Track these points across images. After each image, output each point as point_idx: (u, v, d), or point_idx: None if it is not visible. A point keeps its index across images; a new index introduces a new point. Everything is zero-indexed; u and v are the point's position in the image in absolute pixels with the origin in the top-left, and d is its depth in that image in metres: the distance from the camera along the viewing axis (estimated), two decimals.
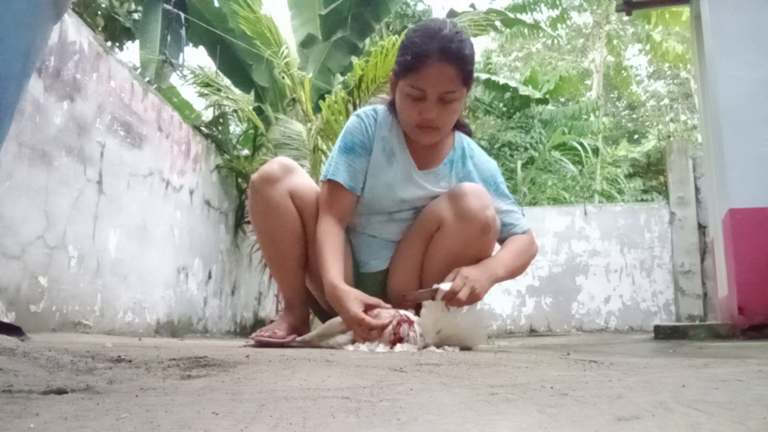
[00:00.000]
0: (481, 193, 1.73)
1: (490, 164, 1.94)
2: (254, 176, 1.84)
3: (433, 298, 1.61)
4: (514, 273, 1.81)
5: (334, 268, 1.67)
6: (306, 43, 7.36)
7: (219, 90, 5.74)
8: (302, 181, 1.86)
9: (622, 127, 16.33)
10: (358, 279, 1.87)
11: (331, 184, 1.78)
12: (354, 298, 1.62)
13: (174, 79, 7.72)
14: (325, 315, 1.91)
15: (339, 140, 1.85)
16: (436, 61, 1.63)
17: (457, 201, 1.71)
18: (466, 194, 1.71)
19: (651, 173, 11.70)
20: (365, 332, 1.58)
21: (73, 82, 2.93)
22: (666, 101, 18.11)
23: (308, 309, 1.97)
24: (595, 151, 10.17)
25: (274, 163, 1.84)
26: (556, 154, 9.75)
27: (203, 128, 5.40)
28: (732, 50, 3.17)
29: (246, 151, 5.83)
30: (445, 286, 1.60)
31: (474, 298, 1.63)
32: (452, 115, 1.74)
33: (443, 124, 1.74)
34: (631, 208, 6.85)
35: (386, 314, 1.58)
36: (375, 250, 1.88)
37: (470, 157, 1.89)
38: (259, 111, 6.26)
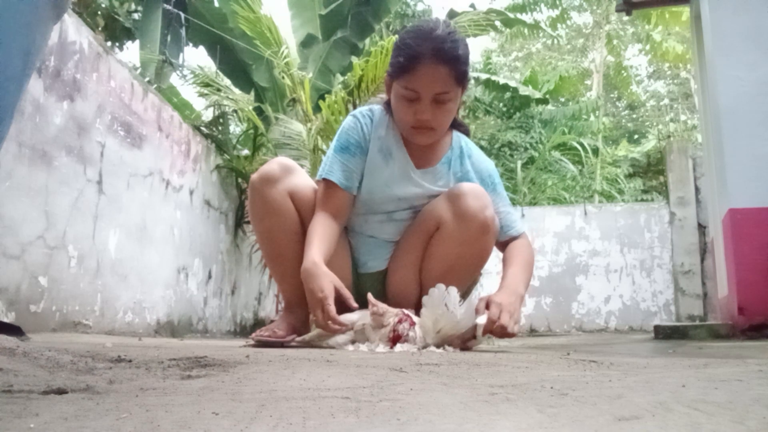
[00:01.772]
0: (480, 193, 1.73)
1: (488, 164, 1.94)
2: (254, 176, 1.84)
3: (474, 336, 1.57)
4: (528, 285, 1.82)
5: (317, 248, 1.65)
6: (306, 43, 7.36)
7: (219, 90, 5.74)
8: (302, 181, 1.86)
9: (622, 127, 16.33)
10: (357, 279, 1.87)
11: (326, 184, 1.79)
12: (329, 281, 1.60)
13: (174, 79, 7.74)
14: None
15: (335, 140, 1.86)
16: (429, 62, 1.63)
17: (456, 201, 1.71)
18: (465, 194, 1.71)
19: (651, 173, 11.70)
20: (324, 319, 1.56)
21: (73, 82, 2.93)
22: (666, 101, 18.10)
23: (308, 309, 1.96)
24: (595, 151, 10.17)
25: (274, 164, 1.84)
26: (556, 154, 9.75)
27: (203, 128, 5.40)
28: (732, 50, 3.16)
29: (246, 151, 5.83)
30: (482, 319, 1.56)
31: (516, 322, 1.62)
32: (447, 116, 1.74)
33: (438, 125, 1.74)
34: (631, 208, 6.85)
35: (391, 313, 1.58)
36: (374, 251, 1.88)
37: (468, 157, 1.89)
38: (259, 111, 6.26)
